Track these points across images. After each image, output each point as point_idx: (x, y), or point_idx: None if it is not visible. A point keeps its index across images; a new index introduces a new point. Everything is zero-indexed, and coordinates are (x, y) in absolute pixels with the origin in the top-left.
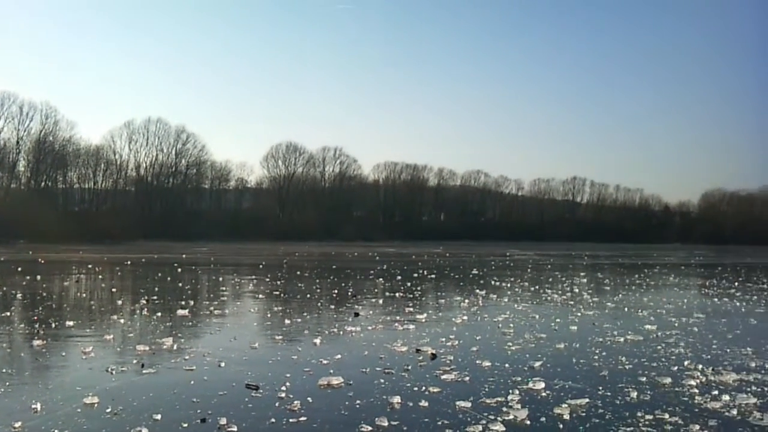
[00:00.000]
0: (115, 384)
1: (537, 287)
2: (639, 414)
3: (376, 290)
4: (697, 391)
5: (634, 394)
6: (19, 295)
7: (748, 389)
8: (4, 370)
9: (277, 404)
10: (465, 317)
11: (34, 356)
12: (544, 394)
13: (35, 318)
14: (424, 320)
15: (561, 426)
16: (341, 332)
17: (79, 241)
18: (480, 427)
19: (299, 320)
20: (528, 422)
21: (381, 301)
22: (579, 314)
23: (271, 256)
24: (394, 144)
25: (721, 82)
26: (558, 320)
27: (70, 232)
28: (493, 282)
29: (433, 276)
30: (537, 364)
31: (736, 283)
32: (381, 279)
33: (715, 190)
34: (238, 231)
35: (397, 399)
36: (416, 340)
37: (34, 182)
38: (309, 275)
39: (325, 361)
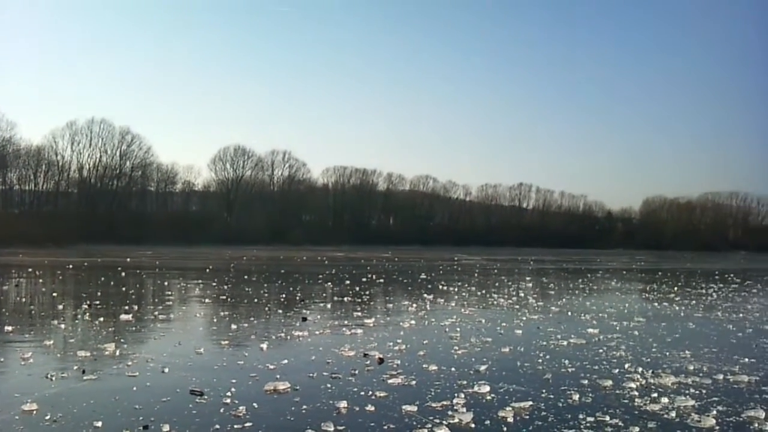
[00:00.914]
0: (55, 390)
1: (484, 292)
2: (581, 416)
3: (324, 295)
4: (637, 393)
5: (577, 397)
6: None
7: (687, 392)
8: None
9: (221, 410)
10: (413, 321)
11: None
12: (489, 397)
13: None
14: (372, 325)
15: (505, 429)
16: (289, 337)
17: (19, 244)
18: (425, 431)
19: (246, 325)
20: (473, 425)
21: (329, 306)
22: (524, 318)
23: (218, 260)
24: (344, 148)
25: (662, 90)
26: (504, 324)
27: (10, 235)
28: (440, 286)
29: (381, 280)
30: (482, 367)
31: (676, 288)
32: (330, 283)
33: (656, 197)
34: (185, 234)
35: (343, 404)
36: (364, 345)
37: None
38: (257, 280)
39: (271, 366)
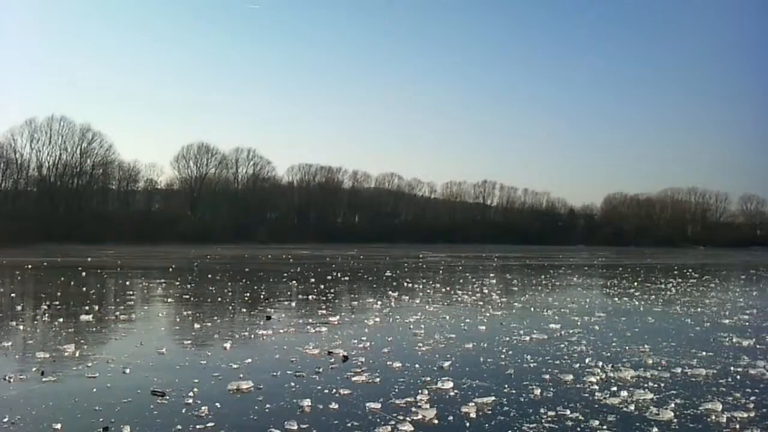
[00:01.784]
0: (14, 393)
1: (448, 288)
2: (542, 410)
3: (289, 293)
4: (597, 387)
5: (538, 392)
6: None
7: (646, 385)
8: None
9: (183, 411)
10: (377, 319)
11: None
12: (452, 393)
13: None
14: (336, 322)
15: (468, 424)
16: (252, 336)
17: None
18: (389, 428)
19: (209, 324)
20: (436, 421)
21: (294, 304)
22: (488, 314)
23: (181, 258)
24: (309, 146)
25: (622, 87)
26: (467, 321)
27: None
28: (405, 284)
29: (346, 278)
30: (446, 364)
31: (636, 283)
32: (294, 281)
33: (617, 193)
34: (148, 233)
35: (307, 402)
36: (328, 343)
37: None
38: (221, 278)
39: (235, 366)
